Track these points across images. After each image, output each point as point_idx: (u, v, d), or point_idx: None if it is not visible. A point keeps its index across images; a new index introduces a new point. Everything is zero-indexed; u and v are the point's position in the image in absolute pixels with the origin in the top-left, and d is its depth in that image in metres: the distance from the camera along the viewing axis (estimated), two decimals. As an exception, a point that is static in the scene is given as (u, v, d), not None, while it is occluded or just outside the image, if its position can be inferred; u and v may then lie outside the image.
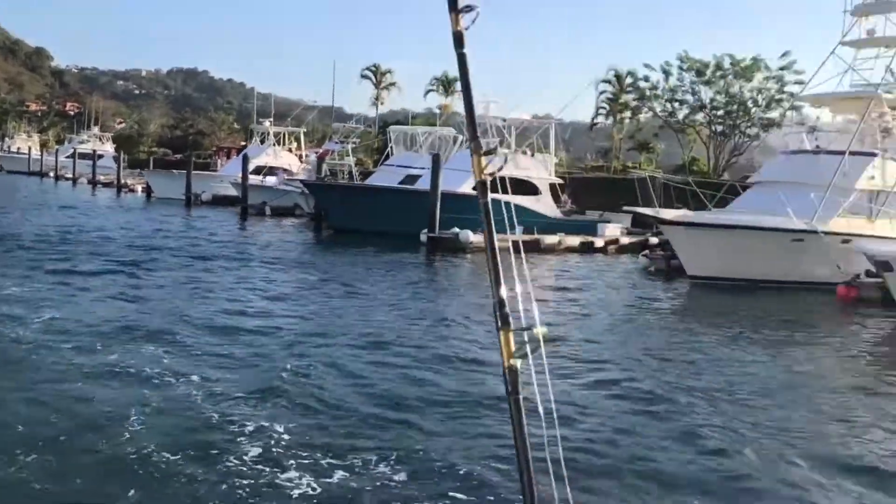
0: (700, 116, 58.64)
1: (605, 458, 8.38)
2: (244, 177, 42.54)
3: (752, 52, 55.92)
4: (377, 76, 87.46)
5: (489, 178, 2.38)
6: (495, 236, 2.32)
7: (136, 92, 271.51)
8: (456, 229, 29.35)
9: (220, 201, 47.88)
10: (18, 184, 67.14)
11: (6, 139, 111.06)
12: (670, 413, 10.14)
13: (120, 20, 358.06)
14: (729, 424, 9.68)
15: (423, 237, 29.70)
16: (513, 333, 2.22)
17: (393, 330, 14.63)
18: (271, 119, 56.19)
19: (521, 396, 2.18)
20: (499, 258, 2.35)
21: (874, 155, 24.20)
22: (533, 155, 37.86)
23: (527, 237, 31.32)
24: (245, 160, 43.31)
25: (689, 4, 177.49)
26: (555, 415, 2.48)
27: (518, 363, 2.18)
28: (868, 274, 18.59)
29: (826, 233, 21.12)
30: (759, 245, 22.23)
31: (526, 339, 2.20)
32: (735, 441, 9.03)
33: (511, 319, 2.22)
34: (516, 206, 33.85)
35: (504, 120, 38.35)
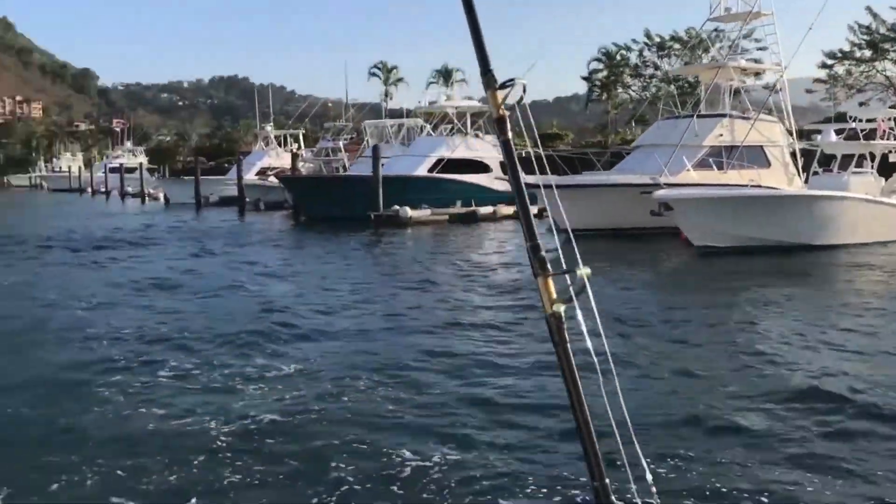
0: (672, 88, 62.44)
1: (674, 412, 8.37)
2: (239, 178, 48.33)
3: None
4: (384, 73, 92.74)
5: (508, 114, 2.03)
6: (522, 178, 2.05)
7: (180, 103, 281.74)
8: (396, 207, 34.33)
9: (226, 201, 53.50)
10: (58, 199, 74.41)
11: (54, 159, 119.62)
12: (734, 356, 10.84)
13: (160, 34, 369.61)
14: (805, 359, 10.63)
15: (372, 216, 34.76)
16: (552, 278, 1.92)
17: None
18: (271, 124, 61.68)
19: (569, 345, 1.89)
20: (528, 202, 2.07)
21: (723, 116, 28.44)
22: (482, 136, 42.61)
23: (463, 210, 36.27)
24: (239, 164, 49.13)
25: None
26: (611, 363, 2.04)
27: (562, 309, 1.90)
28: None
29: (668, 185, 25.44)
30: (618, 198, 26.67)
31: (569, 282, 1.90)
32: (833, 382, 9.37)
33: (549, 263, 1.92)
34: (466, 182, 39.15)
35: (456, 108, 43.22)
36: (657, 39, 59.43)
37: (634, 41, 61.30)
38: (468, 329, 13.43)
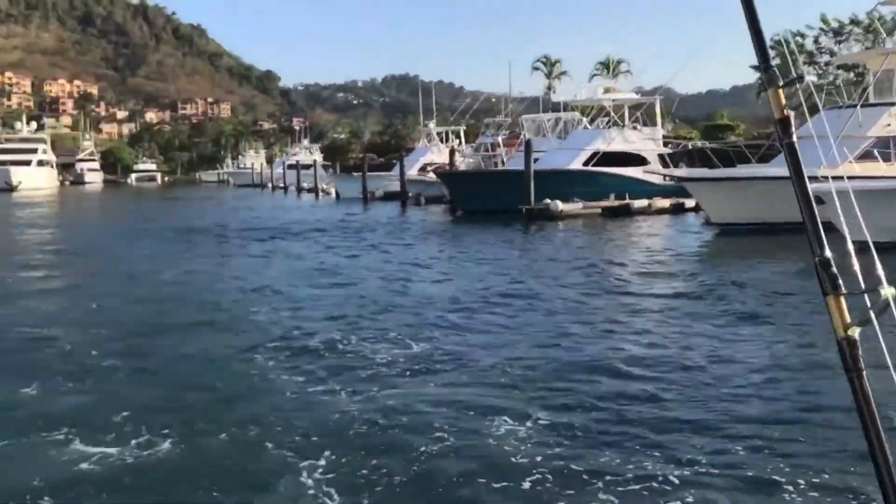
0: (851, 75, 58.96)
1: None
2: (401, 174, 50.73)
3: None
4: (547, 67, 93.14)
5: (792, 114, 1.80)
6: (808, 181, 1.77)
7: (354, 102, 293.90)
8: (547, 200, 34.88)
9: (390, 196, 55.98)
10: (241, 194, 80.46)
11: (239, 157, 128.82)
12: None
13: (337, 36, 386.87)
14: None
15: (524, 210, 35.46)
16: (844, 298, 1.71)
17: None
18: (433, 121, 63.75)
19: (864, 373, 1.69)
20: (814, 209, 1.76)
21: (891, 105, 26.96)
22: (639, 129, 42.30)
23: (616, 203, 36.28)
24: (401, 160, 51.61)
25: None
26: None
27: (857, 333, 1.68)
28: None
29: (825, 178, 24.42)
30: (770, 192, 25.95)
31: (868, 303, 1.69)
32: None
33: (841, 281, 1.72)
34: (621, 176, 39.13)
35: (613, 100, 43.13)
36: (834, 24, 56.28)
37: (809, 27, 58.37)
38: (618, 325, 13.68)
